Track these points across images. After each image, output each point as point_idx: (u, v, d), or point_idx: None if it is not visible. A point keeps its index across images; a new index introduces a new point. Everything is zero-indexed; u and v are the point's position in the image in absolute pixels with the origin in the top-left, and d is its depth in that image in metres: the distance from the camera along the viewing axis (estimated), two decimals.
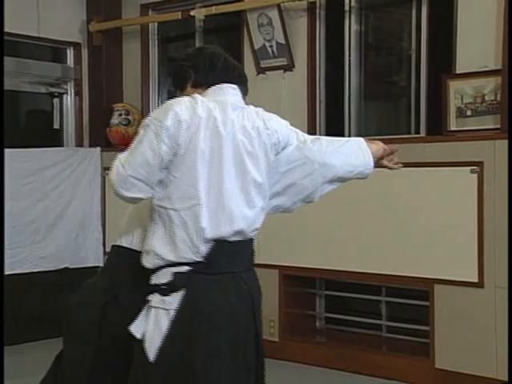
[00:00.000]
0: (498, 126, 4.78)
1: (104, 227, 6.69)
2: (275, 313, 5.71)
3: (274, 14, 5.66)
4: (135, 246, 2.75)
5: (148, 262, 2.57)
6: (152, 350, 2.50)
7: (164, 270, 2.53)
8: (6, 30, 5.15)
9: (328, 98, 5.83)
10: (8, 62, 5.82)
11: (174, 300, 2.50)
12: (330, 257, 5.46)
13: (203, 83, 2.66)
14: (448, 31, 5.10)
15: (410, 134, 5.50)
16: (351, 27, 5.71)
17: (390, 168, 2.89)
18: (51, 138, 6.86)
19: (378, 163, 2.84)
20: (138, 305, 2.60)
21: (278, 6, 5.64)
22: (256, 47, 5.84)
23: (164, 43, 6.90)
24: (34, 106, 7.01)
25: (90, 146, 6.83)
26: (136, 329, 2.56)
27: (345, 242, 5.40)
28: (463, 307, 4.92)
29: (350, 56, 5.73)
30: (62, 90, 6.89)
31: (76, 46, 6.84)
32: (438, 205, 4.99)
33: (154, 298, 2.54)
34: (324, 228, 5.47)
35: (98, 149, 6.70)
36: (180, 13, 6.24)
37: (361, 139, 2.85)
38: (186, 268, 2.51)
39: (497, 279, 4.74)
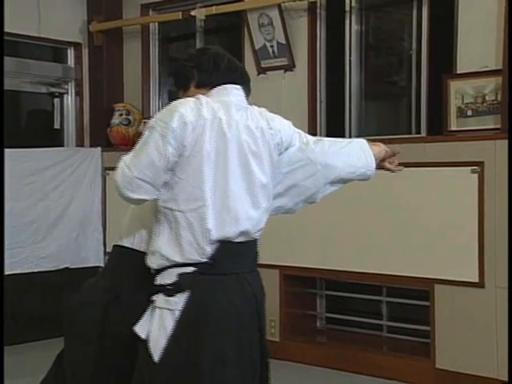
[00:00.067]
0: (499, 126, 4.78)
1: (104, 227, 6.68)
2: (276, 313, 5.70)
3: (274, 14, 5.66)
4: (136, 246, 2.75)
5: (153, 262, 2.57)
6: (157, 350, 2.50)
7: (169, 270, 2.53)
8: (7, 29, 5.13)
9: (328, 98, 5.83)
10: (8, 61, 5.81)
11: (180, 300, 2.50)
12: (331, 257, 5.46)
13: (207, 83, 2.65)
14: (448, 31, 5.10)
15: (410, 134, 5.50)
16: (352, 27, 5.71)
17: (391, 170, 2.89)
18: (52, 138, 6.86)
19: (380, 165, 2.84)
20: (140, 305, 2.60)
21: (279, 6, 5.64)
22: (256, 47, 5.84)
23: (164, 43, 6.90)
24: (35, 106, 7.00)
25: (91, 146, 6.82)
26: (141, 329, 2.57)
27: (345, 241, 5.40)
28: (464, 307, 4.92)
29: (350, 56, 5.73)
30: (62, 90, 6.88)
31: (76, 46, 6.84)
32: (439, 205, 4.99)
33: (159, 299, 2.54)
34: (324, 228, 5.47)
35: (99, 149, 6.69)
36: (180, 13, 6.24)
37: (363, 141, 2.85)
38: (191, 269, 2.52)
39: (497, 279, 4.74)
